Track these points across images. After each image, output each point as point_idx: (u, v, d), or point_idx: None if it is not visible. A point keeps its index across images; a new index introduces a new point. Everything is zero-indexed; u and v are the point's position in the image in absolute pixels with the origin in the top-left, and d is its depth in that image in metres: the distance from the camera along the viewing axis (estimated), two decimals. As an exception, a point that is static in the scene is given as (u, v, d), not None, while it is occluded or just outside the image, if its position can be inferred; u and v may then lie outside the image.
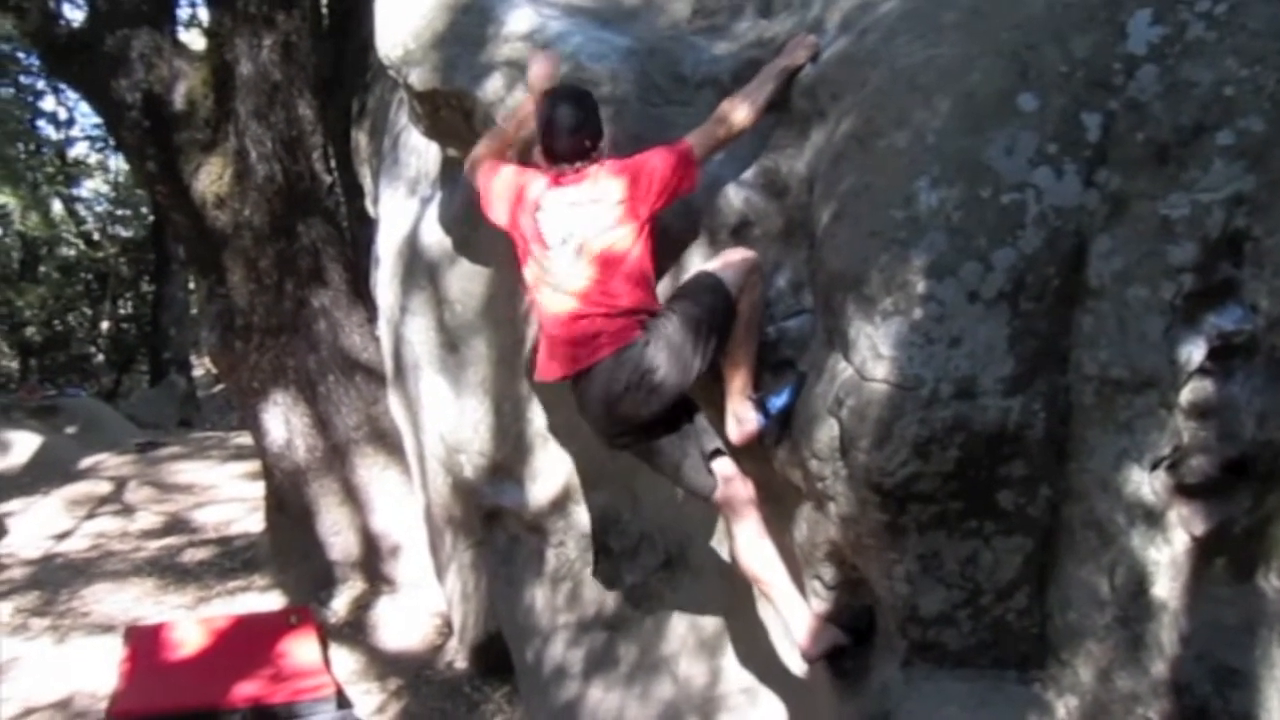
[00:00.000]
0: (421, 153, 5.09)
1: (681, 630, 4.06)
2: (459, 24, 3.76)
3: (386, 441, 6.23)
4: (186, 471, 8.72)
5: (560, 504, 4.43)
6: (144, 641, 5.19)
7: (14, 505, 7.93)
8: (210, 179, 5.98)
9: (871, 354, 2.87)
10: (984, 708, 3.04)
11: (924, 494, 2.90)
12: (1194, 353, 2.70)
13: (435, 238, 4.71)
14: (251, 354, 6.16)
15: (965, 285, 2.78)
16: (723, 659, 3.93)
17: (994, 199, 2.77)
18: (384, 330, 5.16)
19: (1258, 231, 2.64)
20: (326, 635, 5.49)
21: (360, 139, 6.29)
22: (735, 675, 3.88)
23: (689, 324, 3.16)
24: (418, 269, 4.79)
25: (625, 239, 3.21)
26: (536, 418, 4.43)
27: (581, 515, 4.40)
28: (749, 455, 3.62)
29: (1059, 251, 2.77)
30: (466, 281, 4.58)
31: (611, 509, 4.34)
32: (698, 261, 3.38)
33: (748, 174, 3.38)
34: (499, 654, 4.86)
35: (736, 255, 3.24)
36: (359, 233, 6.35)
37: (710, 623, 3.99)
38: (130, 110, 5.95)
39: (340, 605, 5.91)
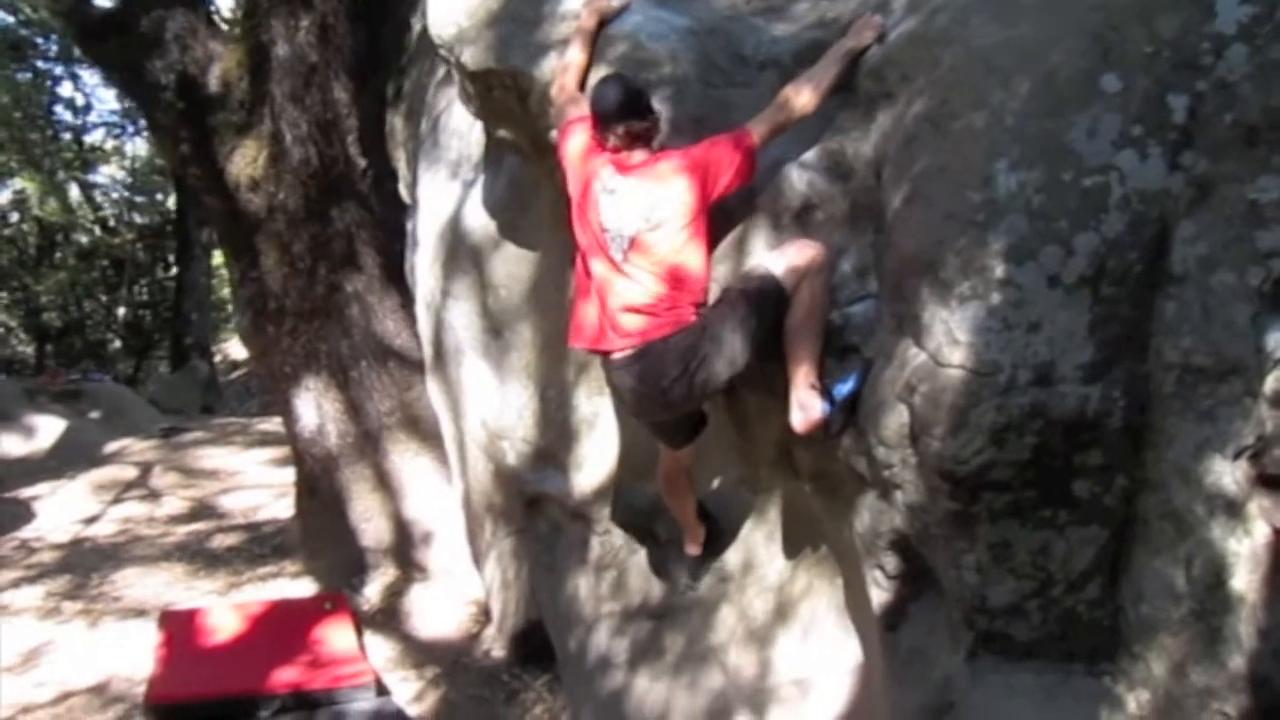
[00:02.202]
0: (464, 135, 5.04)
1: (730, 621, 4.00)
2: (514, 2, 3.71)
3: (419, 428, 6.19)
4: (211, 457, 8.69)
5: (605, 491, 4.38)
6: (179, 627, 5.16)
7: (41, 489, 7.91)
8: (245, 162, 5.93)
9: (947, 339, 2.81)
10: (1052, 701, 2.98)
11: (998, 482, 2.84)
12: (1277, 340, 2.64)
13: (479, 221, 4.66)
14: (284, 338, 6.12)
15: (1045, 270, 2.72)
16: (772, 650, 3.88)
17: (1076, 182, 2.71)
18: (423, 315, 5.11)
19: (1354, 217, 2.57)
20: (361, 622, 5.46)
21: (396, 122, 6.23)
22: (786, 666, 3.83)
23: (737, 316, 3.15)
24: (461, 253, 4.74)
25: (680, 231, 3.19)
26: (582, 404, 4.38)
27: (627, 505, 4.35)
28: (804, 444, 3.57)
29: (1142, 236, 2.71)
30: (512, 266, 4.53)
31: (659, 497, 4.29)
32: (761, 245, 3.32)
33: (811, 156, 3.32)
34: (539, 642, 4.81)
35: (793, 247, 3.19)
36: (391, 218, 6.28)
37: (760, 613, 3.93)
38: (164, 91, 5.91)
39: (373, 592, 5.88)
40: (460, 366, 4.76)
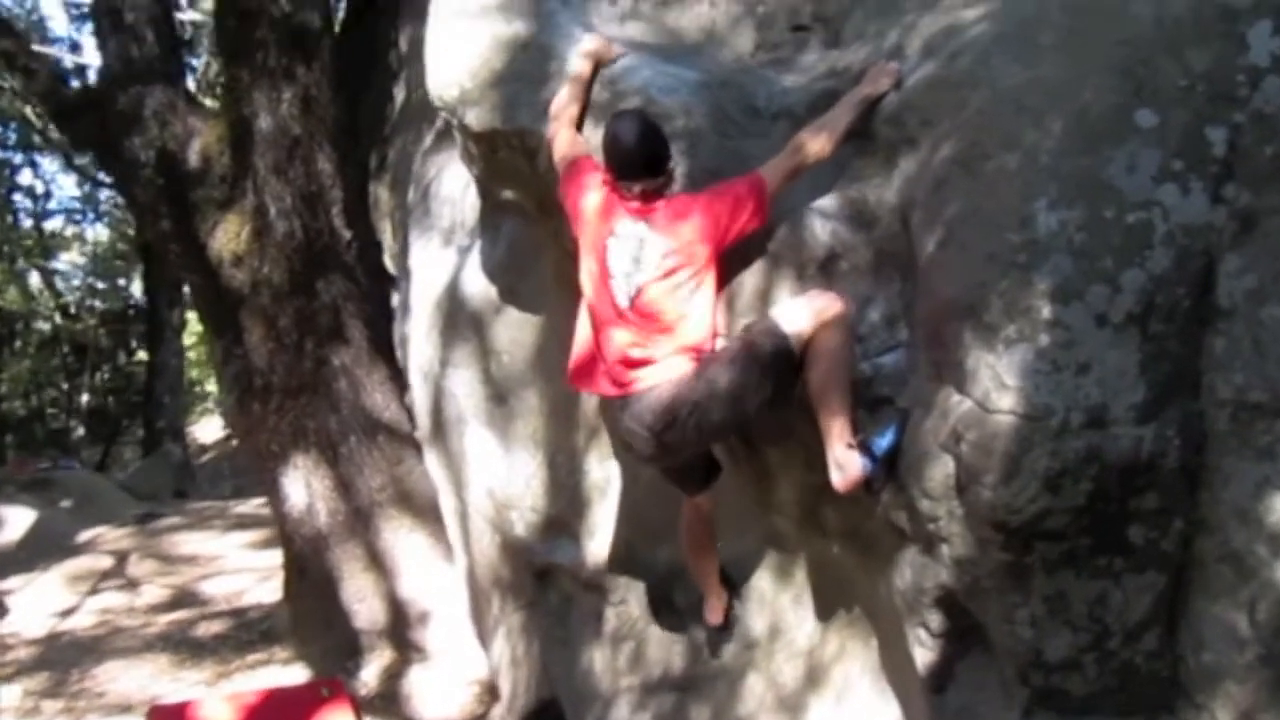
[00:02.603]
0: (456, 202, 4.96)
1: (759, 689, 3.85)
2: (518, 62, 3.65)
3: (412, 503, 5.99)
4: (189, 542, 8.42)
5: (620, 560, 4.23)
6: (171, 721, 4.89)
7: (13, 583, 7.61)
8: (227, 237, 5.80)
9: (995, 384, 2.72)
10: (1117, 759, 2.85)
11: (1052, 531, 2.74)
12: (1338, 373, 2.58)
13: (479, 287, 4.56)
14: (270, 416, 5.94)
15: (1092, 309, 2.65)
16: (805, 718, 3.71)
17: (1119, 219, 2.66)
18: (419, 385, 4.97)
19: (1401, 244, 2.54)
20: (359, 707, 5.22)
21: (381, 193, 6.15)
22: (821, 734, 3.66)
23: (740, 366, 3.09)
24: (460, 320, 4.63)
25: (690, 279, 3.14)
26: (593, 469, 4.25)
27: (644, 571, 4.21)
28: (833, 501, 3.46)
29: (1188, 271, 2.66)
30: (515, 331, 4.43)
31: (677, 562, 4.15)
32: (784, 295, 3.23)
33: (831, 205, 3.26)
34: (552, 720, 4.62)
35: (804, 299, 3.12)
36: (376, 289, 6.16)
37: (790, 679, 3.78)
38: (144, 169, 5.79)
39: (370, 676, 5.64)
40: (463, 436, 4.62)
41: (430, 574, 5.88)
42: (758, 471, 3.66)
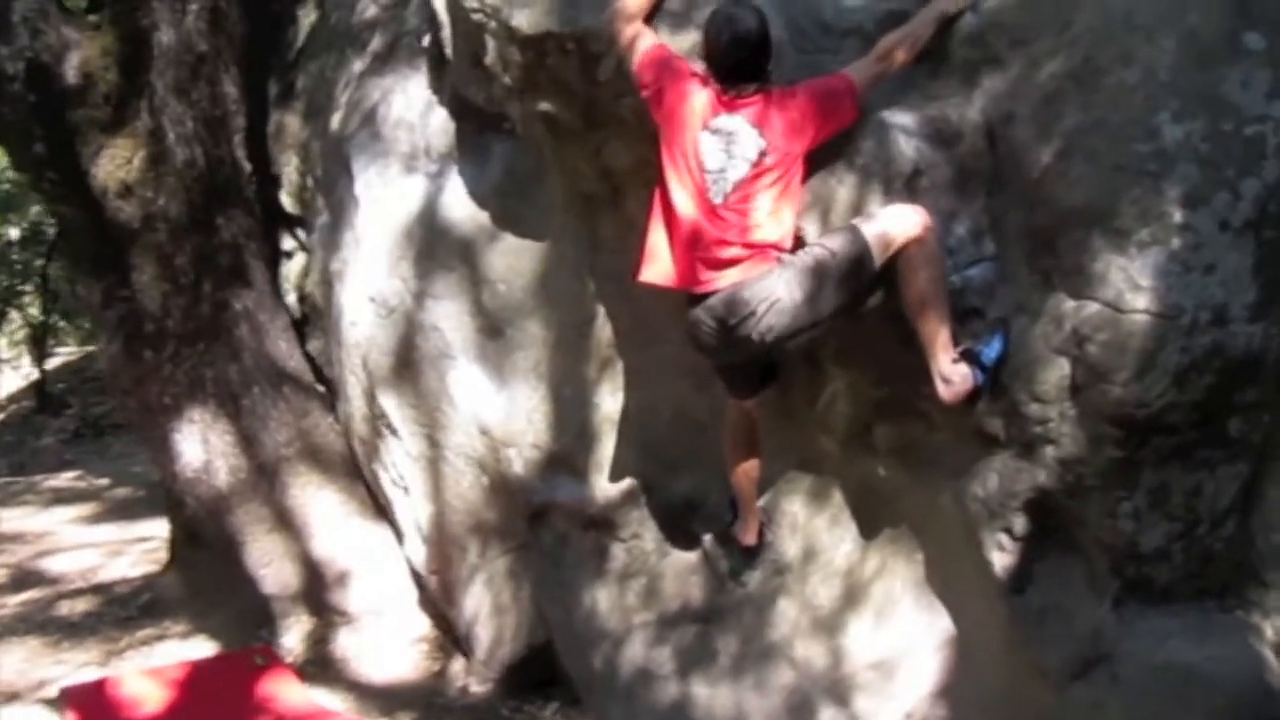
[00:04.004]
0: (414, 127, 4.66)
1: (792, 613, 3.87)
2: (571, -36, 3.47)
3: (321, 459, 5.59)
4: (6, 520, 7.44)
5: (633, 493, 4.14)
6: (93, 704, 4.36)
7: None
8: (115, 164, 5.15)
9: (1129, 286, 2.87)
10: (1203, 638, 3.10)
11: (1170, 425, 2.94)
12: None
13: (465, 213, 4.32)
14: (164, 365, 5.34)
15: (1217, 215, 2.85)
16: (844, 638, 3.77)
17: (1237, 131, 2.86)
18: (369, 324, 4.61)
19: None
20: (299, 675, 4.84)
21: (288, 122, 5.65)
22: (862, 652, 3.73)
23: (820, 268, 3.13)
24: (440, 250, 4.36)
25: (780, 173, 3.16)
26: (605, 401, 4.13)
27: (659, 504, 4.13)
28: (892, 418, 3.55)
29: (1294, 181, 2.90)
30: (512, 259, 4.22)
31: (695, 494, 4.11)
32: (875, 207, 3.26)
33: (912, 123, 3.31)
34: (541, 669, 4.45)
35: (891, 212, 3.18)
36: (271, 229, 5.69)
37: (826, 600, 3.83)
38: (12, 83, 5.05)
39: (293, 642, 5.20)
40: (446, 374, 4.35)
41: (347, 531, 5.52)
42: (814, 386, 3.67)
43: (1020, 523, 3.25)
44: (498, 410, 4.24)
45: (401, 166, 4.61)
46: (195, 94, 5.22)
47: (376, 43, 5.01)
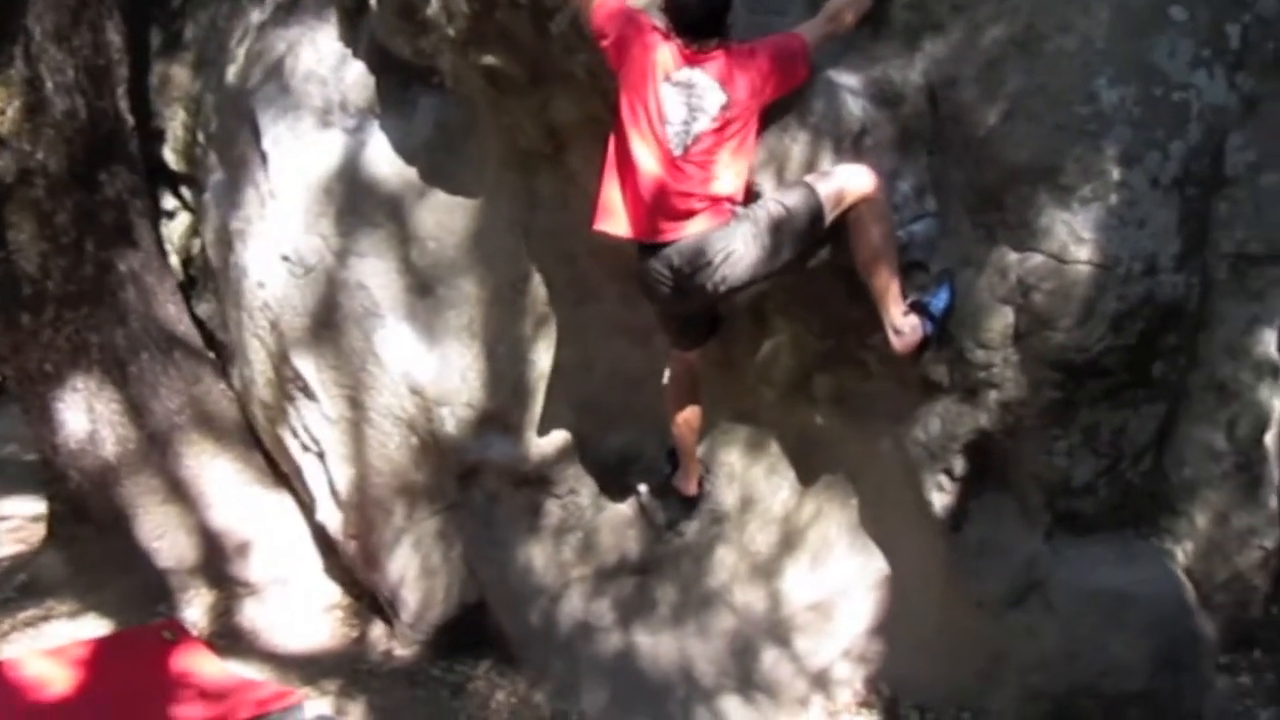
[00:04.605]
0: (326, 80, 4.52)
1: (730, 560, 4.00)
2: (525, -85, 3.44)
3: (214, 426, 5.37)
4: None
5: (569, 450, 4.17)
6: (-5, 686, 4.09)
7: None
8: (-14, 113, 4.81)
9: (1072, 238, 3.09)
10: (1127, 564, 3.39)
11: (1104, 368, 3.18)
12: (1314, 229, 3.23)
13: (391, 169, 4.23)
14: (44, 330, 5.02)
15: (1149, 173, 3.10)
16: (781, 581, 3.93)
17: (1165, 96, 3.11)
18: (281, 283, 4.45)
19: (1358, 125, 3.22)
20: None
21: (175, 74, 5.35)
22: (800, 594, 3.90)
23: (775, 222, 3.24)
24: (365, 206, 4.25)
25: (739, 126, 3.24)
26: (540, 358, 4.14)
27: (594, 460, 4.18)
28: (832, 368, 3.70)
29: (1210, 144, 3.18)
30: (443, 215, 4.16)
31: (632, 448, 4.18)
32: (828, 165, 3.38)
33: (856, 83, 3.43)
34: (472, 629, 4.44)
35: (844, 169, 3.31)
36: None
37: (764, 546, 3.97)
38: None
39: (196, 616, 5.01)
40: (372, 333, 4.25)
41: (245, 500, 5.34)
42: (756, 338, 3.79)
43: (960, 463, 3.45)
44: (429, 369, 4.18)
45: (315, 121, 4.46)
46: (76, 40, 4.90)
47: (279, -10, 4.82)
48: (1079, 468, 3.32)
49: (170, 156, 5.53)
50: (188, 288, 5.60)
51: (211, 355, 5.51)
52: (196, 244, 5.61)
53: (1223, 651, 3.43)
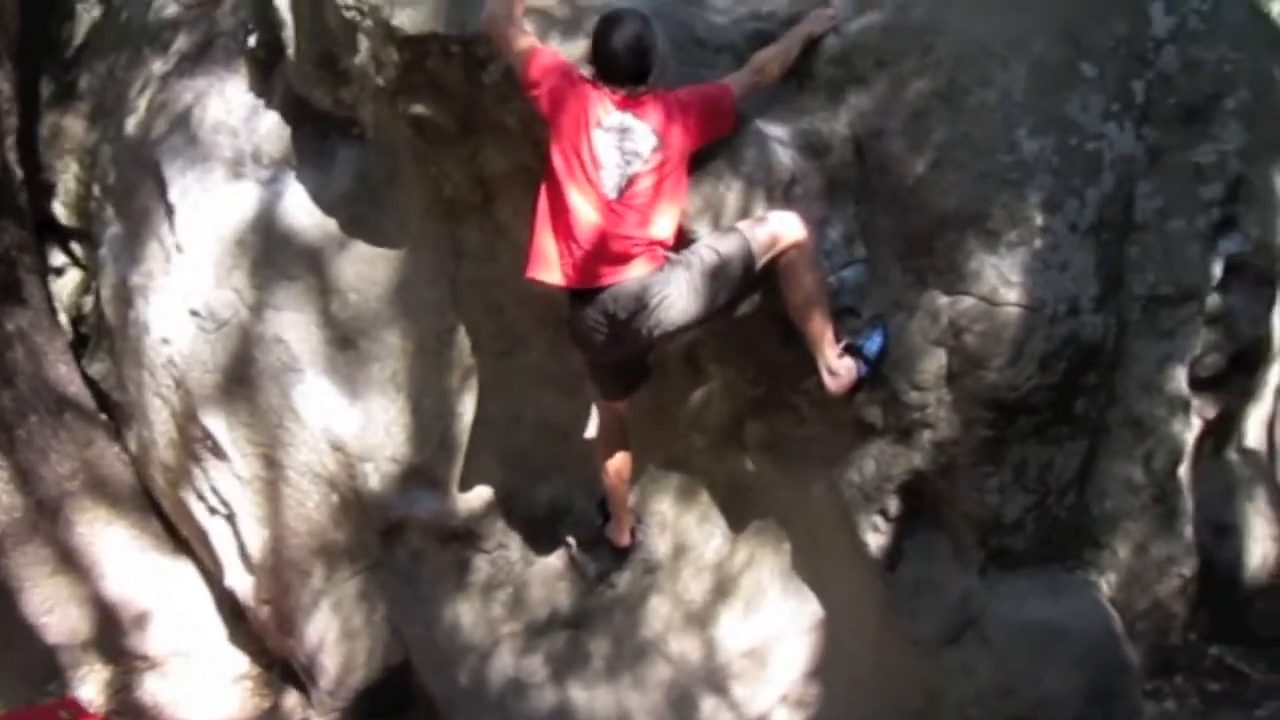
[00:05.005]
0: (237, 131, 4.43)
1: (664, 610, 3.97)
2: (458, -33, 3.45)
3: (108, 491, 5.13)
4: None
5: (497, 503, 4.11)
6: None
7: None
8: None
9: (1001, 282, 3.22)
10: (1058, 597, 3.48)
11: (1034, 406, 3.30)
12: (1216, 271, 3.43)
13: (310, 220, 4.15)
14: (-75, 391, 4.75)
15: (1069, 219, 3.25)
16: (716, 629, 3.92)
17: (1080, 146, 3.29)
18: (200, 339, 4.30)
19: (1251, 176, 3.45)
20: (114, 726, 4.41)
21: (68, 124, 5.14)
22: (734, 642, 3.89)
23: (707, 267, 3.28)
24: (282, 259, 4.15)
25: (668, 171, 3.28)
26: (467, 410, 4.07)
27: (523, 513, 4.12)
28: (763, 415, 3.74)
29: (1122, 192, 3.36)
30: (365, 266, 4.09)
31: (562, 500, 4.13)
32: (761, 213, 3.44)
33: (785, 135, 3.53)
34: (396, 692, 4.29)
35: (774, 218, 3.37)
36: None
37: (698, 595, 3.96)
38: None
39: (91, 694, 4.71)
40: (290, 388, 4.12)
41: (142, 569, 5.10)
42: (688, 386, 3.80)
43: (894, 504, 3.52)
44: (352, 424, 4.07)
45: (226, 172, 4.35)
46: (-37, 89, 4.70)
47: (182, 42, 4.71)
48: (1009, 504, 3.41)
49: (61, 210, 5.32)
50: (78, 347, 5.36)
51: (104, 417, 5.28)
52: (88, 301, 5.39)
53: (1147, 679, 3.54)
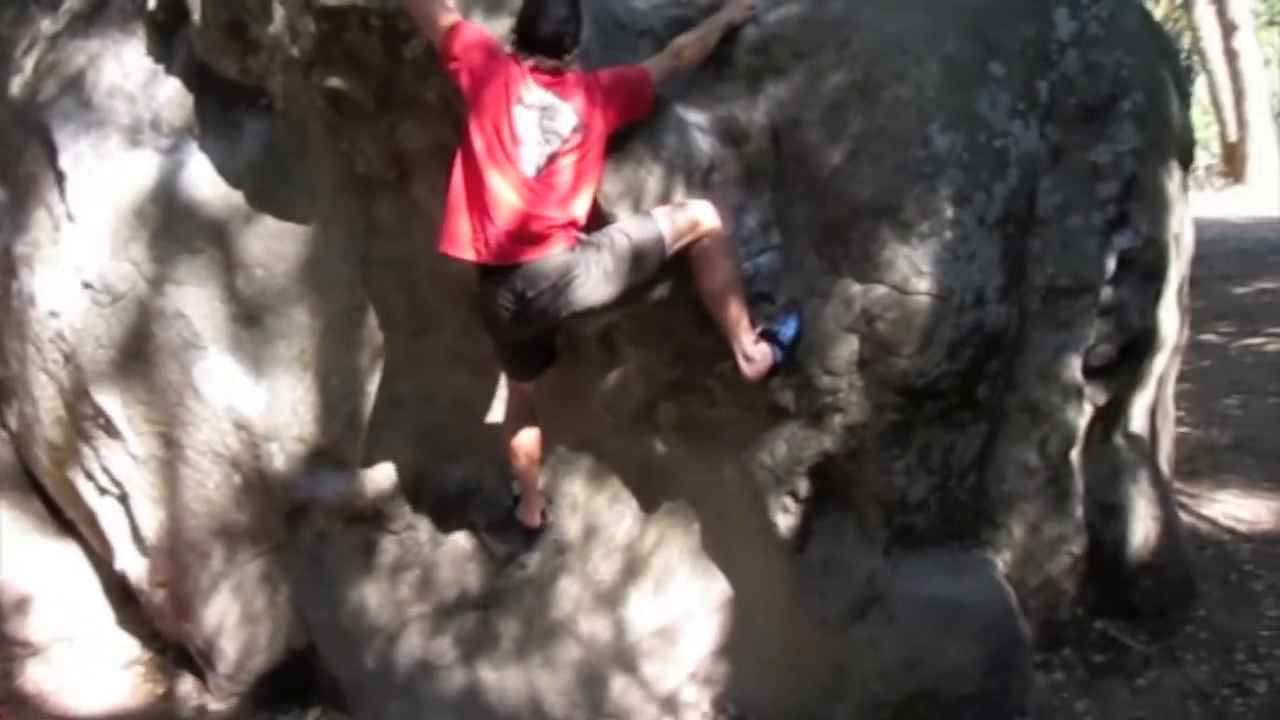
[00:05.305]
0: (134, 97, 4.25)
1: (574, 590, 4.00)
2: (381, -62, 3.39)
3: (-15, 471, 4.92)
4: None
5: (406, 484, 4.07)
6: None
7: None
8: None
9: (913, 271, 3.32)
10: (958, 575, 3.64)
11: (940, 391, 3.43)
12: (1110, 265, 3.61)
13: (214, 192, 4.02)
14: None
15: (977, 212, 3.38)
16: (625, 609, 3.96)
17: (989, 143, 3.41)
18: (93, 312, 4.13)
19: (1142, 175, 3.64)
20: (-8, 715, 4.22)
21: (-54, 84, 4.85)
22: (644, 621, 3.94)
23: (618, 251, 3.32)
24: (183, 231, 4.02)
25: (587, 151, 3.30)
26: (376, 391, 4.02)
27: (433, 493, 4.09)
28: (676, 397, 3.80)
29: (1026, 187, 3.51)
30: (273, 242, 3.99)
31: (472, 480, 4.12)
32: (681, 198, 3.48)
33: (703, 121, 3.57)
34: (299, 675, 4.22)
35: (689, 206, 3.43)
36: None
37: (608, 575, 4.00)
38: None
39: (-33, 683, 4.52)
40: (191, 365, 3.99)
41: (23, 551, 4.90)
42: (602, 368, 3.82)
43: (804, 486, 3.61)
44: (256, 403, 3.98)
45: (123, 139, 4.18)
46: None
47: (73, 1, 4.49)
48: (914, 486, 3.53)
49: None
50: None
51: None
52: (-36, 270, 5.09)
53: (1037, 650, 3.72)
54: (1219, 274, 8.77)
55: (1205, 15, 14.85)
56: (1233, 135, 15.07)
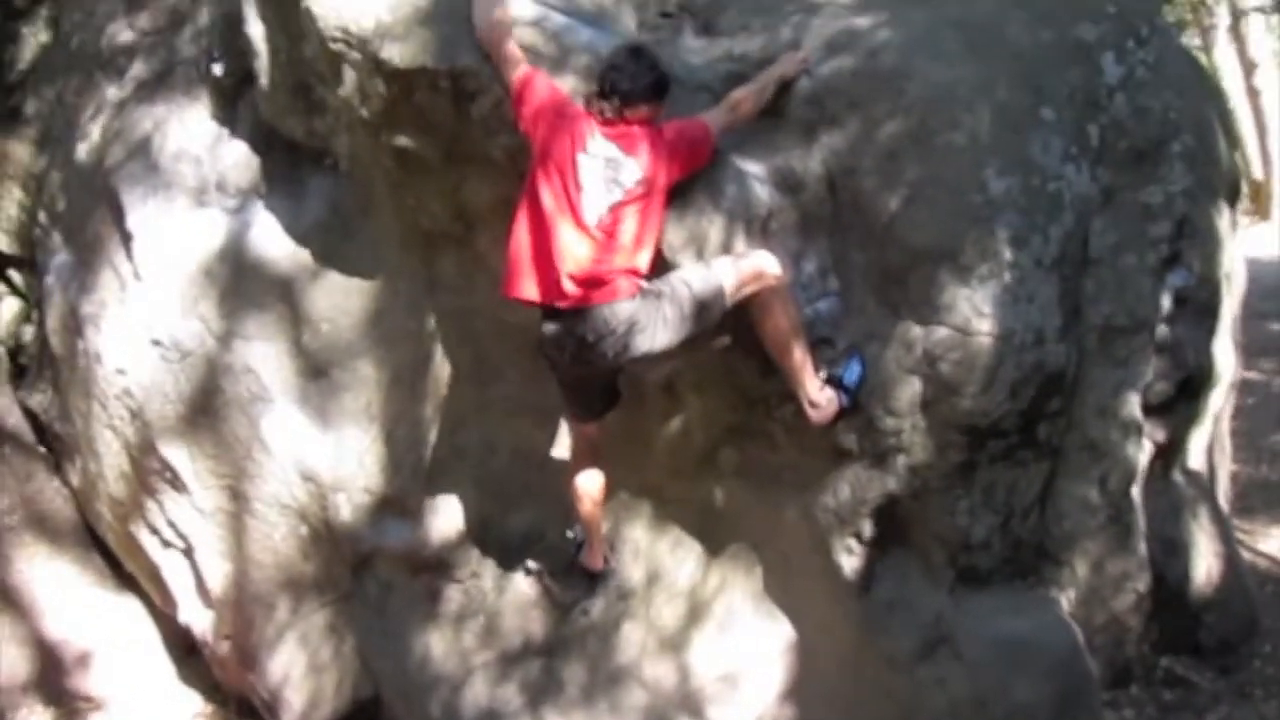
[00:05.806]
0: (200, 159, 4.40)
1: (637, 636, 4.03)
2: (446, 2, 3.52)
3: (48, 526, 5.01)
4: None
5: (470, 532, 4.12)
6: None
7: None
8: None
9: (974, 313, 3.38)
10: (1024, 613, 3.66)
11: (1003, 430, 3.47)
12: (1165, 303, 3.67)
13: (281, 250, 4.13)
14: None
15: (1034, 254, 3.44)
16: (689, 654, 3.98)
17: (1043, 187, 3.48)
18: (161, 369, 4.23)
19: (1193, 214, 3.70)
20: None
21: (13, 150, 5.00)
22: (708, 666, 3.95)
23: (678, 299, 3.38)
24: (252, 288, 4.13)
25: (650, 203, 3.39)
26: (441, 440, 4.09)
27: (497, 541, 4.14)
28: (739, 442, 3.85)
29: (1080, 229, 3.57)
30: (339, 298, 4.09)
31: (534, 528, 4.17)
32: (742, 246, 3.55)
33: (760, 171, 3.66)
34: (366, 724, 4.26)
35: (750, 256, 3.50)
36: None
37: (671, 620, 4.02)
38: None
39: (35, 738, 4.57)
40: (259, 418, 4.08)
41: (85, 606, 4.97)
42: (665, 414, 3.88)
43: (868, 527, 3.64)
44: (324, 454, 4.05)
45: (189, 200, 4.31)
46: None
47: (139, 69, 4.66)
48: (977, 525, 3.56)
49: (1, 238, 5.15)
50: (17, 378, 5.20)
51: (44, 450, 5.12)
52: (28, 331, 5.23)
53: (1105, 689, 3.72)
54: (1255, 312, 8.77)
55: (1226, 54, 15.00)
56: (1257, 173, 15.15)
